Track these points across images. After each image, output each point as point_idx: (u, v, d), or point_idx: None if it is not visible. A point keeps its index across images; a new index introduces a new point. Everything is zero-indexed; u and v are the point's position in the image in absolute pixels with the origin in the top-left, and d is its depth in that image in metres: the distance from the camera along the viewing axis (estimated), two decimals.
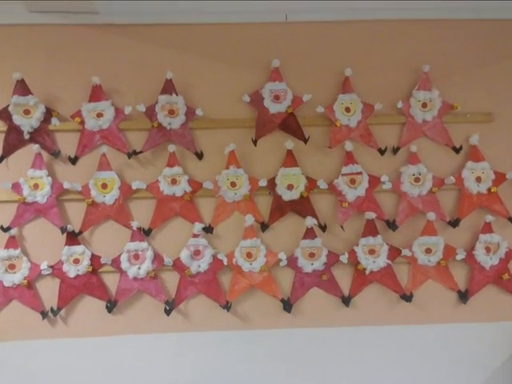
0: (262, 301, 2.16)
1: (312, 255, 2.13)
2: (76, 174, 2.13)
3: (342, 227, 2.15)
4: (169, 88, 2.12)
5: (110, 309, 2.11)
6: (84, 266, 2.09)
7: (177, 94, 2.12)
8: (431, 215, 2.12)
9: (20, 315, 2.12)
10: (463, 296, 2.17)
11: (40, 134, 2.11)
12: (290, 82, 2.16)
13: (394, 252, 2.16)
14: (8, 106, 2.09)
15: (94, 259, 2.12)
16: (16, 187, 2.10)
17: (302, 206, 2.15)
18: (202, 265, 2.11)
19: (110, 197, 2.10)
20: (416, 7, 2.17)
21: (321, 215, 2.17)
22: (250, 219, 2.11)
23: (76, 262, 2.09)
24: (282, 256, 2.12)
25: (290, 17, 2.17)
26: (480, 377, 2.19)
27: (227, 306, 2.12)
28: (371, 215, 2.12)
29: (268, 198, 2.17)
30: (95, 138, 2.13)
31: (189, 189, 2.12)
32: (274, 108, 2.13)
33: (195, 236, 2.12)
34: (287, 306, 2.14)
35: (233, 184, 2.12)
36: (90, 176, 2.11)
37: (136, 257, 2.11)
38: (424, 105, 2.16)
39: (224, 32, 2.18)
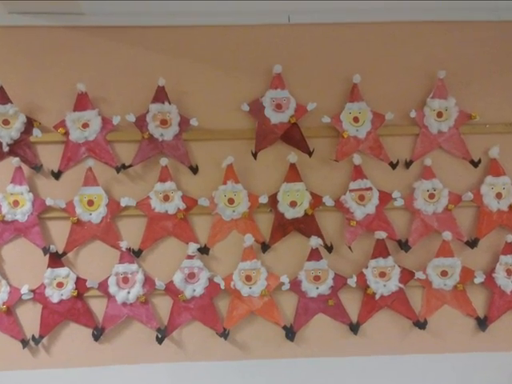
0: (263, 328, 2.02)
1: (317, 278, 1.99)
2: (60, 189, 2.01)
3: (349, 248, 2.01)
4: (161, 96, 1.99)
5: (96, 337, 1.98)
6: (68, 290, 1.96)
7: (169, 103, 1.99)
8: (447, 235, 1.99)
9: None
10: (482, 323, 2.03)
11: (20, 146, 1.99)
12: (293, 89, 2.03)
13: (407, 275, 2.02)
14: None
15: (80, 283, 1.98)
16: None
17: (306, 225, 2.02)
18: (197, 289, 1.98)
19: (96, 215, 1.98)
20: (431, 7, 2.03)
21: (327, 235, 2.03)
22: (249, 239, 1.98)
23: (60, 285, 1.97)
24: (285, 279, 1.99)
25: (292, 18, 2.06)
26: None
27: (225, 334, 1.99)
28: (382, 235, 1.99)
29: (269, 215, 2.03)
30: (80, 151, 2.00)
31: (182, 206, 1.98)
32: (275, 118, 2.00)
33: (190, 257, 1.99)
34: (290, 333, 2.00)
35: (231, 201, 1.99)
36: (74, 192, 1.99)
37: (125, 280, 1.97)
38: (439, 114, 2.03)
39: (221, 35, 2.06)
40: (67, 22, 2.00)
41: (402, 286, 2.00)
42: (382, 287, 1.98)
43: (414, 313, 2.02)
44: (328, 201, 2.00)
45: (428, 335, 2.04)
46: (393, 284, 1.99)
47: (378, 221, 2.02)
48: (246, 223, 2.01)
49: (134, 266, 1.97)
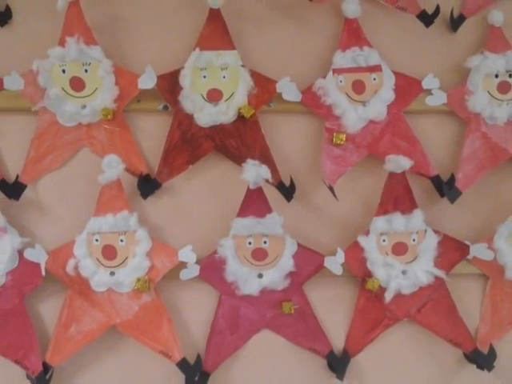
0: None
1: (259, 254, 0.96)
2: None
3: (332, 191, 0.96)
4: None
5: None
6: None
7: None
8: None
9: None
10: None
11: None
12: None
13: (453, 249, 0.99)
14: None
15: None
16: None
17: (241, 140, 0.99)
18: None
19: None
20: None
21: (283, 161, 0.99)
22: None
23: None
24: (188, 255, 0.95)
25: None
26: None
27: None
28: (401, 162, 0.97)
29: (164, 119, 1.00)
30: None
31: None
32: None
33: None
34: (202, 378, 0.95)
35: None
36: None
37: None
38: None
39: None
40: None
41: (442, 273, 0.96)
42: (397, 276, 0.95)
43: (466, 333, 0.97)
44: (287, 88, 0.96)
45: (494, 378, 0.99)
46: (422, 269, 0.95)
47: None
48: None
49: None
